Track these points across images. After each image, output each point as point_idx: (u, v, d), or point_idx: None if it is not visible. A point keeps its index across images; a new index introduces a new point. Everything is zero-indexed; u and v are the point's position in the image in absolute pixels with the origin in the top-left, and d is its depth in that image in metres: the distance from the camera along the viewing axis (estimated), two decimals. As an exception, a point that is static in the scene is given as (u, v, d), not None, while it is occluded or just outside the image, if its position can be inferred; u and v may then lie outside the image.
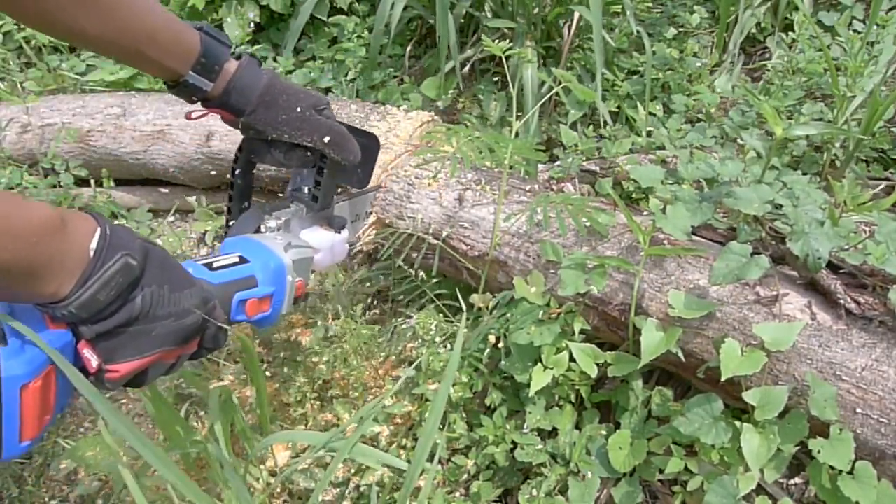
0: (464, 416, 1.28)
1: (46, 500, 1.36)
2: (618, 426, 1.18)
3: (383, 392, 1.33)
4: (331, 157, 1.01)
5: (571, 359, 1.15)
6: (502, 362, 1.23)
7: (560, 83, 1.25)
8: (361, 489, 1.25)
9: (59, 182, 1.91)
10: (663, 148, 1.72)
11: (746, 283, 1.09)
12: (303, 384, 1.39)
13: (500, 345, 1.24)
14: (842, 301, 1.04)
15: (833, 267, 1.09)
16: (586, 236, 1.25)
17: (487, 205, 1.37)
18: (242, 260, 0.90)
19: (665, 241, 1.17)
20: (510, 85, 1.37)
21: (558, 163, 1.75)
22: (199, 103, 0.95)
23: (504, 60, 1.32)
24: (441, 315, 1.38)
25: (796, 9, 2.06)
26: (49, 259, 0.60)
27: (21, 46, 2.54)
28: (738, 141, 1.71)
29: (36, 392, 0.63)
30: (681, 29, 2.20)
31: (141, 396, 1.16)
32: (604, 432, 1.17)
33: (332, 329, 1.39)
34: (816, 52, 1.85)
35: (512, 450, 1.19)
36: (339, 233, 1.09)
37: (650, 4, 2.30)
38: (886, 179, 1.66)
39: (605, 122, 1.88)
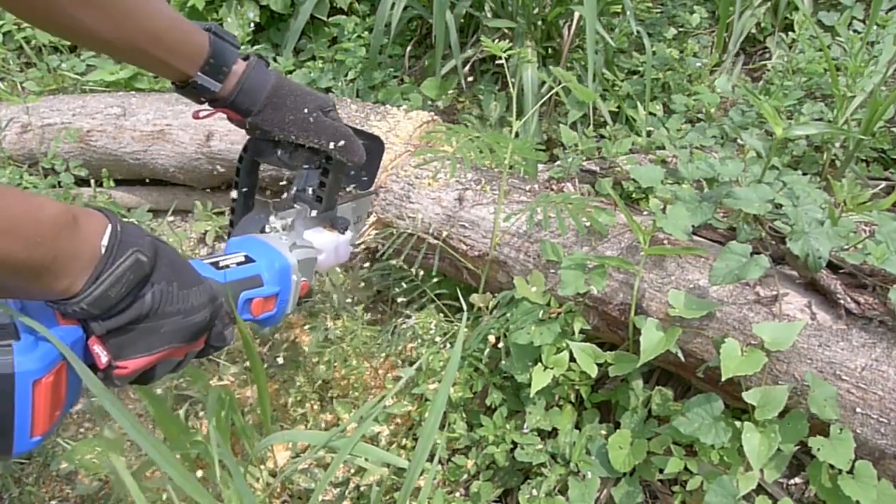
0: (464, 416, 1.28)
1: (46, 500, 1.36)
2: (618, 426, 1.17)
3: (383, 392, 1.33)
4: (336, 159, 1.02)
5: (571, 359, 1.15)
6: (502, 362, 1.23)
7: (560, 83, 1.25)
8: (361, 489, 1.25)
9: (59, 182, 1.91)
10: (663, 148, 1.72)
11: (746, 283, 1.09)
12: (303, 384, 1.39)
13: (500, 345, 1.24)
14: (842, 301, 1.04)
15: (833, 267, 1.09)
16: (586, 236, 1.25)
17: (487, 205, 1.37)
18: (248, 259, 0.90)
19: (665, 241, 1.17)
20: (510, 85, 1.38)
21: (558, 163, 1.75)
22: (206, 103, 0.95)
23: (504, 60, 1.32)
24: (441, 315, 1.38)
25: (796, 9, 2.06)
26: (61, 256, 0.61)
27: (21, 46, 2.54)
28: (738, 141, 1.71)
29: (48, 387, 0.63)
30: (681, 29, 2.20)
31: (141, 397, 1.16)
32: (604, 432, 1.17)
33: (332, 329, 1.39)
34: (816, 52, 1.85)
35: (512, 450, 1.19)
36: (343, 234, 1.10)
37: (650, 4, 2.31)
38: (886, 179, 1.66)
39: (605, 122, 1.88)
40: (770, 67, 1.98)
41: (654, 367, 1.25)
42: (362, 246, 1.49)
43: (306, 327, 1.45)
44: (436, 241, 1.36)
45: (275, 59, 2.32)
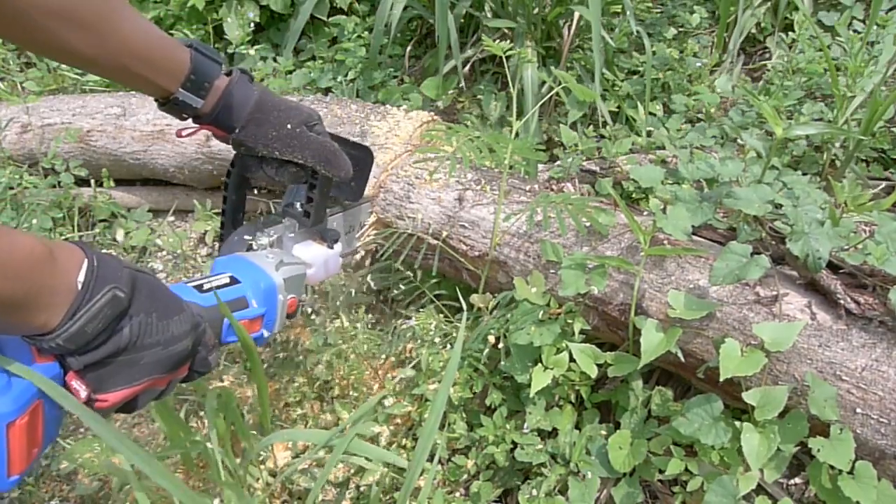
0: (464, 416, 1.28)
1: (46, 499, 1.36)
2: (618, 426, 1.18)
3: (384, 392, 1.33)
4: (321, 174, 1.01)
5: (571, 359, 1.15)
6: (502, 362, 1.23)
7: (560, 83, 1.25)
8: (361, 489, 1.25)
9: (59, 182, 1.91)
10: (663, 148, 1.72)
11: (746, 283, 1.09)
12: (303, 384, 1.39)
13: (500, 345, 1.24)
14: (842, 301, 1.04)
15: (833, 267, 1.09)
16: (586, 236, 1.25)
17: (487, 205, 1.37)
18: (233, 280, 0.89)
19: (665, 241, 1.17)
20: (510, 85, 1.38)
21: (558, 163, 1.75)
22: (189, 120, 0.95)
23: (504, 60, 1.32)
24: (441, 315, 1.38)
25: (796, 9, 2.06)
26: (37, 292, 0.60)
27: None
28: (738, 141, 1.71)
29: (23, 428, 0.62)
30: (681, 29, 2.20)
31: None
32: (604, 432, 1.17)
33: (331, 330, 1.39)
34: (816, 52, 1.85)
35: (512, 450, 1.19)
36: (332, 247, 1.09)
37: (650, 4, 2.31)
38: (886, 179, 1.66)
39: (605, 123, 1.88)
40: (770, 67, 1.98)
41: (654, 367, 1.25)
42: (361, 249, 1.49)
43: (306, 328, 1.45)
44: (436, 242, 1.36)
45: (275, 59, 2.32)
